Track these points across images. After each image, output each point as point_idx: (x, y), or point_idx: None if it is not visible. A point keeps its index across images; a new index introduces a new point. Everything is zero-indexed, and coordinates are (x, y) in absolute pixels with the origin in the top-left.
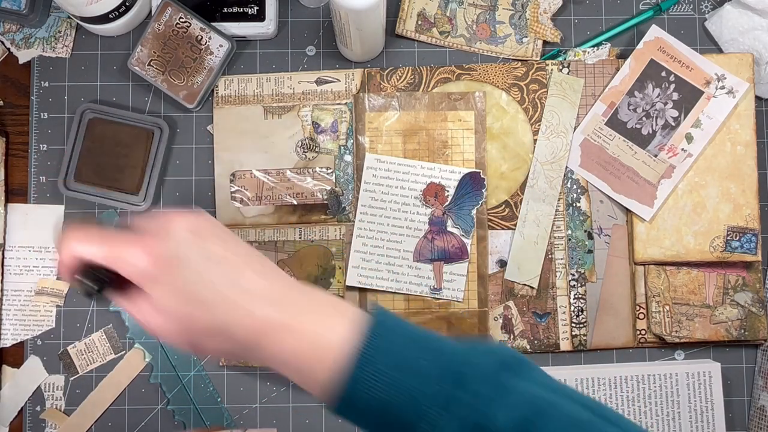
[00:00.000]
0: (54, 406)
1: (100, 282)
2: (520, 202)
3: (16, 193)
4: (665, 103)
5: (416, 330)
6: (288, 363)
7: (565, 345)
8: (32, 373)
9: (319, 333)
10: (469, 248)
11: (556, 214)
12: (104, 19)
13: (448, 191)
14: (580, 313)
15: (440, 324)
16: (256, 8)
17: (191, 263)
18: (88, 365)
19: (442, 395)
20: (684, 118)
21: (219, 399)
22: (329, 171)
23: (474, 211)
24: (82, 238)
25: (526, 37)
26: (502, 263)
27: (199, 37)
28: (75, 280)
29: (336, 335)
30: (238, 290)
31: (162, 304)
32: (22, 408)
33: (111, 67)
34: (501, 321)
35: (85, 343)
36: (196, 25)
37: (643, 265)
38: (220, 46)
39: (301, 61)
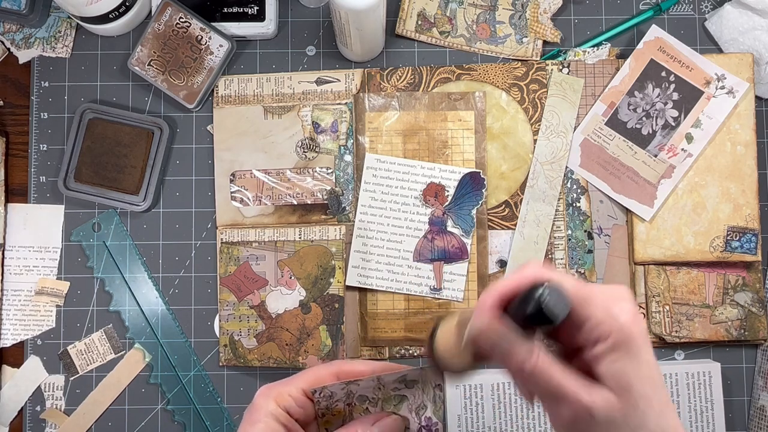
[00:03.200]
0: (54, 406)
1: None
2: (520, 202)
3: (16, 193)
4: (665, 103)
5: None
6: None
7: None
8: (32, 373)
9: None
10: (469, 248)
11: (556, 214)
12: (104, 19)
13: (448, 191)
14: None
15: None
16: (256, 8)
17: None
18: (88, 365)
19: None
20: (684, 118)
21: (219, 399)
22: (329, 171)
23: (474, 211)
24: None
25: (526, 37)
26: (502, 263)
27: (199, 37)
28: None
29: None
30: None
31: (626, 379)
32: (22, 408)
33: (111, 67)
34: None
35: (85, 343)
36: (196, 25)
37: (643, 265)
38: (220, 46)
39: (301, 61)
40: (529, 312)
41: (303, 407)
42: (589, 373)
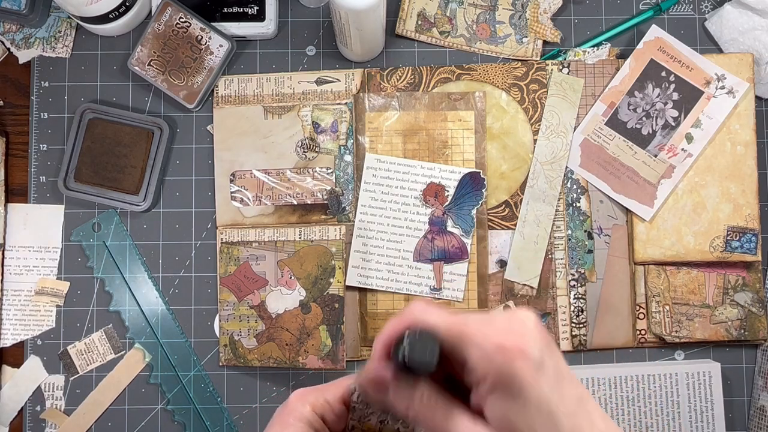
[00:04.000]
0: (54, 406)
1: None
2: (520, 202)
3: (16, 193)
4: (665, 103)
5: None
6: None
7: (565, 345)
8: (32, 373)
9: None
10: (469, 248)
11: (556, 214)
12: (104, 19)
13: (448, 191)
14: (580, 313)
15: None
16: (256, 8)
17: (550, 375)
18: (88, 365)
19: None
20: (684, 118)
21: (219, 399)
22: (329, 171)
23: (474, 211)
24: (426, 307)
25: (526, 37)
26: (502, 263)
27: (199, 37)
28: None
29: None
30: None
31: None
32: (22, 408)
33: (111, 67)
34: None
35: (85, 343)
36: (196, 25)
37: (643, 265)
38: (220, 46)
39: (301, 61)
40: (400, 360)
41: (338, 416)
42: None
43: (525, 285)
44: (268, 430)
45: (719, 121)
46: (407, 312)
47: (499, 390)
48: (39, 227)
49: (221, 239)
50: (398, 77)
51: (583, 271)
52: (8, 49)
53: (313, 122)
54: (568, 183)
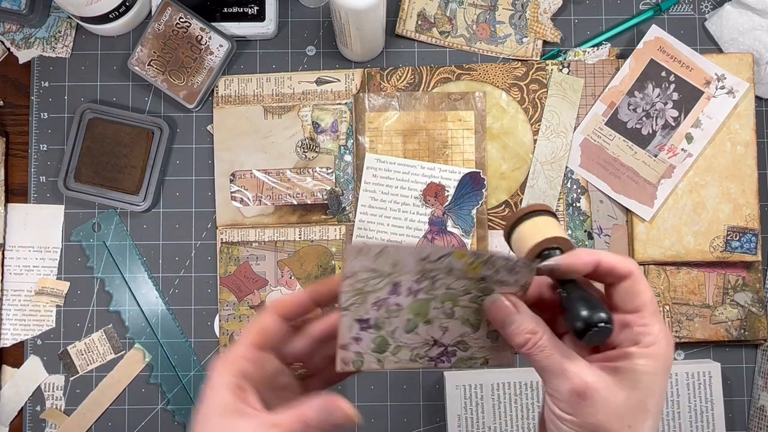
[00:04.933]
0: (54, 406)
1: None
2: (520, 202)
3: (16, 193)
4: (665, 103)
5: None
6: None
7: None
8: (32, 373)
9: None
10: (469, 248)
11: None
12: (104, 19)
13: (448, 191)
14: None
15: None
16: (256, 8)
17: None
18: (88, 365)
19: None
20: (684, 118)
21: None
22: (329, 171)
23: (474, 211)
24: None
25: (526, 37)
26: None
27: (199, 37)
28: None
29: None
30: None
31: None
32: (22, 408)
33: (111, 67)
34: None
35: (85, 343)
36: (196, 25)
37: (643, 265)
38: (220, 46)
39: (301, 61)
40: (575, 328)
41: (256, 362)
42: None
43: None
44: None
45: (719, 121)
46: (621, 262)
47: (656, 362)
48: (39, 227)
49: (221, 239)
50: (398, 77)
51: None
52: (8, 49)
53: (313, 122)
54: (568, 183)
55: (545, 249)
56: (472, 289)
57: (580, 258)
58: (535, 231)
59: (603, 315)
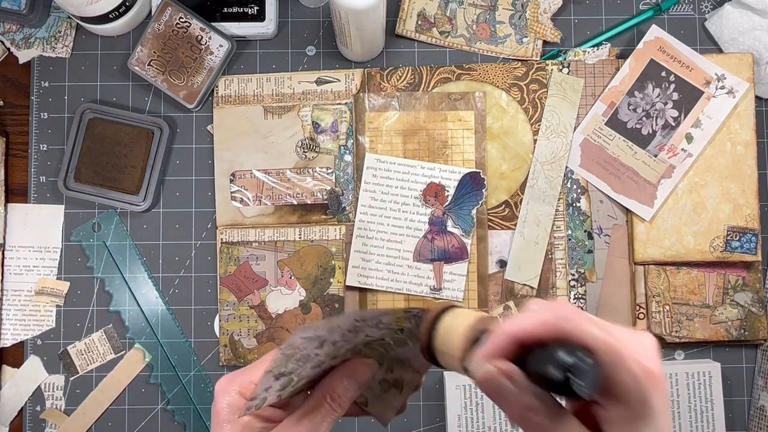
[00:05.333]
0: (54, 406)
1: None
2: (520, 202)
3: (16, 193)
4: (665, 103)
5: None
6: None
7: None
8: (32, 373)
9: None
10: (469, 248)
11: (556, 214)
12: (104, 19)
13: (448, 191)
14: None
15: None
16: (256, 8)
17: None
18: (88, 365)
19: None
20: (684, 118)
21: None
22: (329, 171)
23: (474, 211)
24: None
25: (526, 37)
26: (502, 263)
27: (199, 37)
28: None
29: None
30: None
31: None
32: (22, 408)
33: (111, 67)
34: (501, 321)
35: (85, 343)
36: (196, 25)
37: (643, 265)
38: (220, 46)
39: (301, 61)
40: (554, 382)
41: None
42: (589, 420)
43: (525, 285)
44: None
45: (719, 121)
46: (553, 317)
47: (637, 420)
48: (39, 227)
49: (221, 239)
50: (398, 77)
51: (583, 271)
52: (8, 49)
53: (313, 122)
54: (568, 183)
55: (475, 341)
56: (386, 338)
57: (493, 352)
58: (450, 333)
59: (565, 356)
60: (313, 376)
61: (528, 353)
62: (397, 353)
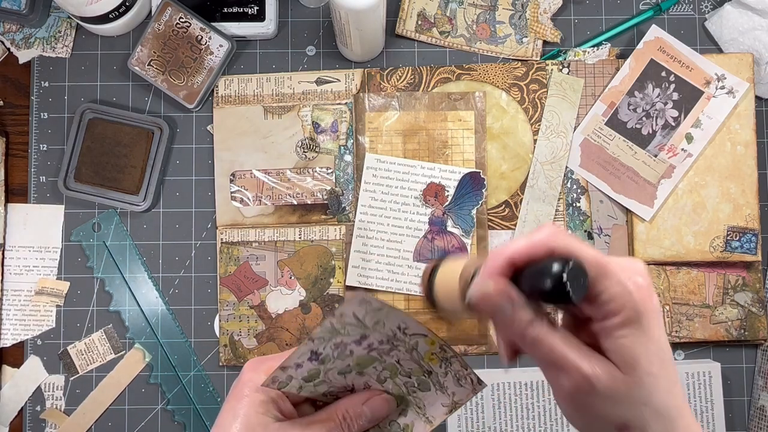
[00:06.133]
0: (54, 406)
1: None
2: (520, 202)
3: (16, 193)
4: (665, 103)
5: None
6: None
7: None
8: (32, 373)
9: None
10: (469, 248)
11: (556, 214)
12: (104, 19)
13: (448, 191)
14: None
15: (440, 324)
16: (256, 8)
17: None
18: (88, 365)
19: None
20: (684, 118)
21: (219, 399)
22: (329, 171)
23: (474, 211)
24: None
25: (526, 37)
26: None
27: (199, 37)
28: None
29: None
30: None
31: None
32: (22, 408)
33: (111, 67)
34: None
35: (85, 343)
36: (196, 25)
37: None
38: (220, 46)
39: (301, 61)
40: (546, 289)
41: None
42: (593, 343)
43: None
44: (225, 404)
45: (719, 121)
46: (541, 234)
47: (630, 325)
48: (39, 227)
49: (221, 239)
50: (398, 77)
51: None
52: (8, 49)
53: (313, 122)
54: (568, 183)
55: (472, 277)
56: (414, 376)
57: (533, 246)
58: (447, 275)
59: (558, 265)
60: (334, 388)
61: (520, 274)
62: (416, 397)
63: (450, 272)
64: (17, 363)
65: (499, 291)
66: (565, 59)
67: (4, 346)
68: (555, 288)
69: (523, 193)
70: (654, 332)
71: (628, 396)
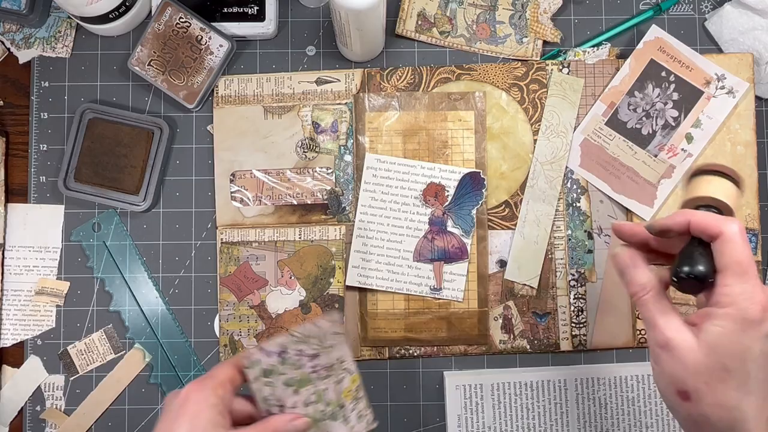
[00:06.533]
0: (54, 406)
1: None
2: (520, 202)
3: (16, 193)
4: (665, 103)
5: None
6: None
7: (565, 345)
8: (32, 373)
9: None
10: (469, 248)
11: (556, 214)
12: (104, 19)
13: (448, 191)
14: (580, 313)
15: (440, 324)
16: (256, 8)
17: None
18: (88, 365)
19: None
20: (684, 118)
21: None
22: (329, 171)
23: (474, 211)
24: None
25: (526, 37)
26: (502, 263)
27: (199, 37)
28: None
29: None
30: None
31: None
32: (22, 408)
33: (111, 67)
34: (501, 321)
35: (85, 343)
36: (196, 25)
37: None
38: (220, 46)
39: (301, 61)
40: (682, 272)
41: (227, 392)
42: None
43: (525, 285)
44: (170, 424)
45: (719, 121)
46: (700, 218)
47: (728, 319)
48: (39, 227)
49: (221, 239)
50: (398, 77)
51: (583, 271)
52: (8, 49)
53: (313, 122)
54: (568, 183)
55: (700, 205)
56: (330, 405)
57: (673, 218)
58: (703, 187)
59: (686, 268)
60: (272, 397)
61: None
62: (326, 424)
63: (704, 185)
64: (17, 363)
65: (628, 255)
66: (565, 59)
67: (4, 346)
68: (673, 280)
69: (523, 193)
70: (754, 341)
71: (695, 371)
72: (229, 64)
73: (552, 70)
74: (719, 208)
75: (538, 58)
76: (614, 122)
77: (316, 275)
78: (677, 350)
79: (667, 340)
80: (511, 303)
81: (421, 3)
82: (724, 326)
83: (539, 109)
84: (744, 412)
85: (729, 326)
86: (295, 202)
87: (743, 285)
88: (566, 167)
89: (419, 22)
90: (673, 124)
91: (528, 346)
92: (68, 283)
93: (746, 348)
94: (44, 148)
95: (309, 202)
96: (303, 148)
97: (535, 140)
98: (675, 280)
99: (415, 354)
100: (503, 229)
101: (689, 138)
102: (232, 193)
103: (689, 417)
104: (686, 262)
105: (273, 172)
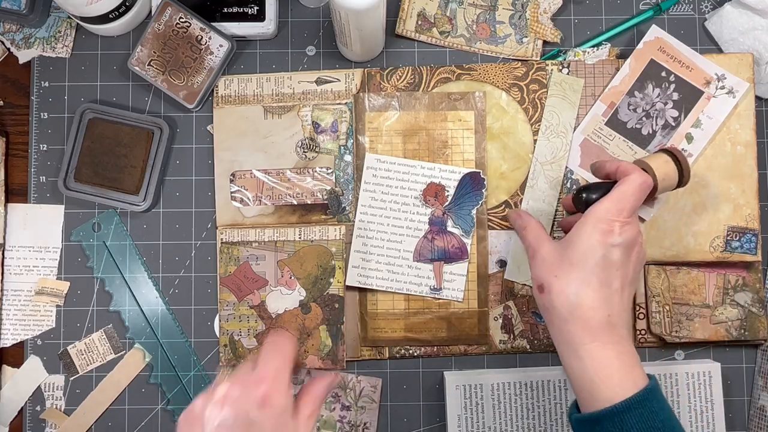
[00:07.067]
0: (54, 406)
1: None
2: (520, 202)
3: (16, 193)
4: (665, 103)
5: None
6: (589, 368)
7: None
8: (32, 373)
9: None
10: (469, 248)
11: (556, 214)
12: (104, 19)
13: (448, 191)
14: None
15: (440, 324)
16: (256, 8)
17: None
18: (88, 365)
19: None
20: (684, 118)
21: None
22: (329, 171)
23: (474, 211)
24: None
25: (526, 37)
26: (502, 263)
27: (199, 37)
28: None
29: (634, 378)
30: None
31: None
32: (22, 408)
33: (111, 67)
34: (501, 321)
35: (85, 343)
36: (196, 25)
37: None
38: (220, 46)
39: (301, 61)
40: (582, 191)
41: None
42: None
43: (525, 285)
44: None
45: (719, 121)
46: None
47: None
48: (39, 227)
49: (221, 239)
50: (398, 77)
51: None
52: (8, 49)
53: (313, 122)
54: (568, 183)
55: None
56: None
57: (611, 163)
58: (651, 157)
59: (586, 192)
60: None
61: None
62: None
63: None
64: (17, 363)
65: (516, 212)
66: (565, 59)
67: (4, 346)
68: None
69: (523, 193)
70: (595, 243)
71: (550, 267)
72: (229, 64)
73: (552, 70)
74: (645, 169)
75: (538, 58)
76: (614, 122)
77: (316, 275)
78: (539, 253)
79: (535, 249)
80: (511, 303)
81: (421, 3)
82: (581, 226)
83: (539, 109)
84: (581, 299)
85: (586, 228)
86: (295, 202)
87: (615, 207)
88: (566, 167)
89: (419, 22)
90: (673, 124)
91: (528, 346)
92: (68, 283)
93: (592, 248)
94: (44, 148)
95: (309, 202)
96: (303, 148)
97: (535, 140)
98: (575, 194)
99: (415, 354)
100: (503, 229)
101: (689, 138)
102: (232, 193)
103: (543, 306)
104: (591, 187)
105: (273, 172)
